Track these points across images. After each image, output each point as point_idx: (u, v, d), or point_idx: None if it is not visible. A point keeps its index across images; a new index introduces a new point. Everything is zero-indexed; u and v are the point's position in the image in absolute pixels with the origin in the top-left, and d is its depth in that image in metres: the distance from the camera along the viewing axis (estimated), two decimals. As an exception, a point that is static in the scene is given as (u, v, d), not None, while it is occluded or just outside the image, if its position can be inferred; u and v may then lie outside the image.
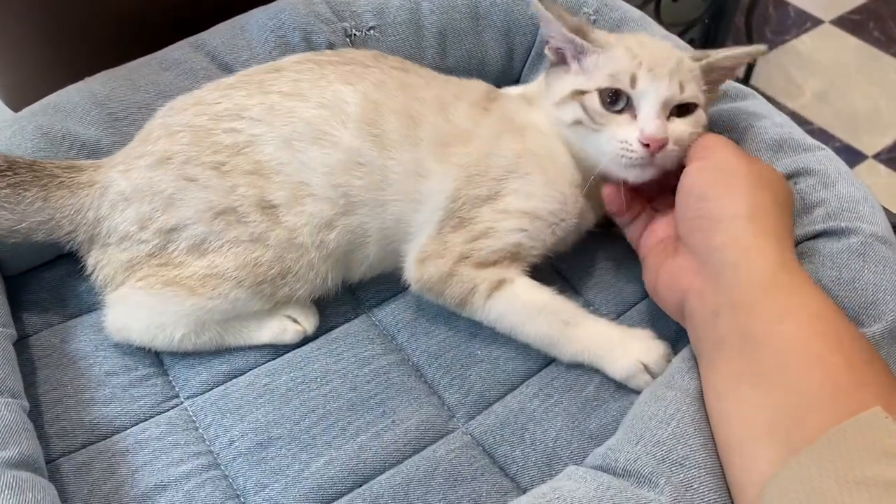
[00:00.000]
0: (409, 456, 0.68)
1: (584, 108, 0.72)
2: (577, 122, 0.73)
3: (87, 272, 0.75)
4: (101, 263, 0.74)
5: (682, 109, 0.72)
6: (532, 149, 0.75)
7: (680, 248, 0.69)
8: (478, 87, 0.81)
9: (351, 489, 0.66)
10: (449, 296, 0.73)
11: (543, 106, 0.77)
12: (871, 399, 0.53)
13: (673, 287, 0.68)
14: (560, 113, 0.74)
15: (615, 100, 0.71)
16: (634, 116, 0.71)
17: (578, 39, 0.73)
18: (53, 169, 0.74)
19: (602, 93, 0.71)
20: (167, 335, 0.73)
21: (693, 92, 0.71)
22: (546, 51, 0.77)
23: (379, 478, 0.67)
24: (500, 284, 0.72)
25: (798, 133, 0.79)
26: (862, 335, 0.60)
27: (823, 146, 0.77)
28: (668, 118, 0.71)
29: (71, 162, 0.76)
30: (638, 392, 0.70)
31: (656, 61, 0.70)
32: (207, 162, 0.72)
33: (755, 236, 0.63)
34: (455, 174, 0.74)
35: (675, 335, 0.73)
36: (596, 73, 0.72)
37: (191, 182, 0.71)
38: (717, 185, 0.66)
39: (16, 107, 0.99)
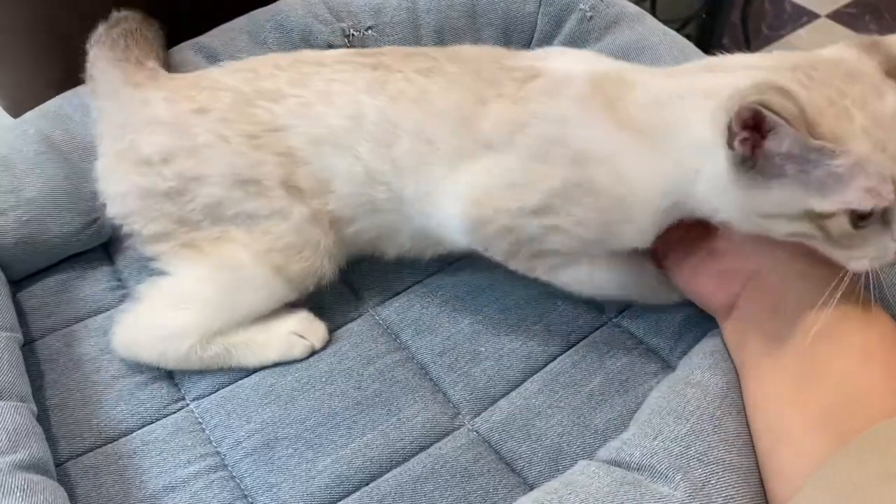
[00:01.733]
0: (416, 454, 0.68)
1: (823, 229, 0.57)
2: (801, 236, 0.59)
3: (94, 173, 0.76)
4: (114, 175, 0.74)
5: None
6: (599, 187, 0.64)
7: (730, 248, 0.66)
8: (517, 78, 0.69)
9: (358, 487, 0.66)
10: (516, 246, 0.70)
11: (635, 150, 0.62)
12: None
13: (725, 285, 0.66)
14: (770, 224, 0.59)
15: (869, 214, 0.55)
16: (886, 222, 0.56)
17: (826, 146, 0.53)
18: (133, 46, 0.80)
19: (853, 213, 0.55)
20: (175, 345, 0.72)
21: None
22: (737, 146, 0.56)
23: (386, 476, 0.67)
24: (563, 262, 0.71)
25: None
26: None
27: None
28: None
29: (144, 59, 0.79)
30: (643, 385, 0.70)
31: None
32: (243, 129, 0.72)
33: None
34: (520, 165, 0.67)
35: (678, 327, 0.73)
36: (839, 186, 0.54)
37: (222, 141, 0.72)
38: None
39: (15, 112, 0.99)
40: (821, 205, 0.55)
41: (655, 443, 0.60)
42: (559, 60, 0.71)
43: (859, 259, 0.57)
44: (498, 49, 0.76)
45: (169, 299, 0.73)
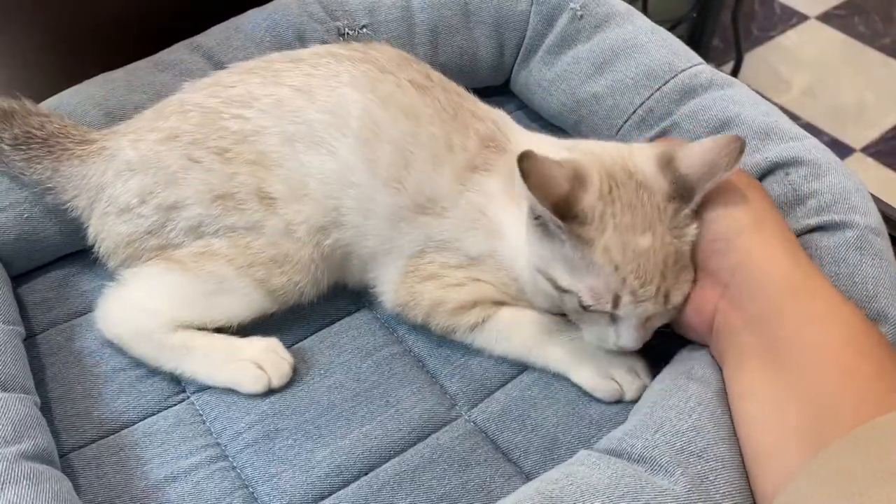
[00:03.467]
0: (414, 444, 0.69)
1: (561, 297, 0.66)
2: (555, 301, 0.68)
3: (89, 241, 0.76)
4: (101, 235, 0.75)
5: None
6: (500, 262, 0.72)
7: (700, 275, 0.67)
8: (480, 135, 0.73)
9: (357, 477, 0.67)
10: (436, 329, 0.75)
11: (522, 232, 0.69)
12: None
13: (701, 313, 0.66)
14: (542, 284, 0.68)
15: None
16: (613, 319, 0.66)
17: (563, 228, 0.62)
18: (67, 143, 0.75)
19: (581, 300, 0.65)
20: (144, 320, 0.72)
21: (678, 299, 0.65)
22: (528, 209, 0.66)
23: (384, 466, 0.68)
24: (482, 321, 0.73)
25: (784, 121, 0.80)
26: (884, 336, 0.61)
27: (809, 135, 0.78)
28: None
29: (85, 133, 0.76)
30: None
31: (644, 275, 0.62)
32: (212, 146, 0.72)
33: (764, 246, 0.63)
34: (425, 239, 0.73)
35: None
36: (576, 273, 0.64)
37: (194, 163, 0.72)
38: (715, 203, 0.65)
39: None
40: (561, 277, 0.65)
41: (657, 436, 0.61)
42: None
43: (586, 330, 0.68)
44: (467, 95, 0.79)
45: (150, 283, 0.73)
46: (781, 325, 0.60)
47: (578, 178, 0.63)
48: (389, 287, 0.76)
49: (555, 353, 0.72)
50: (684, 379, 0.65)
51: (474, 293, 0.73)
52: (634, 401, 0.69)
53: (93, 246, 0.76)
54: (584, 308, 0.64)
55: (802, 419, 0.56)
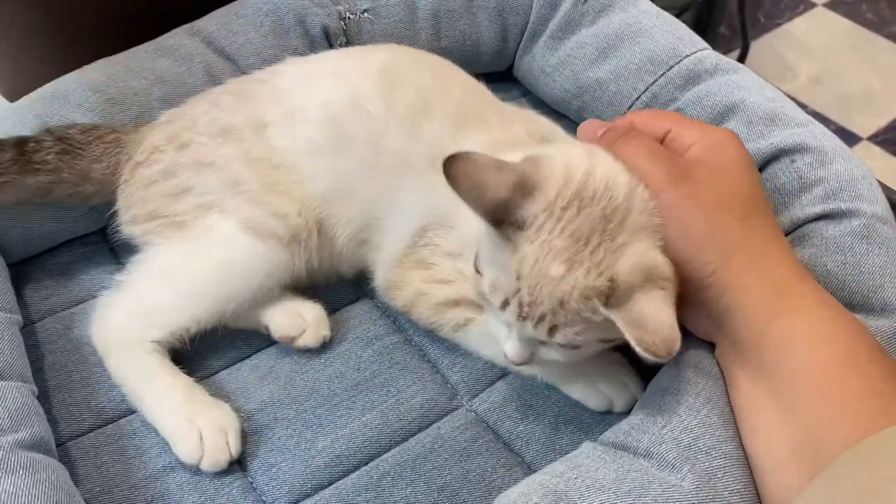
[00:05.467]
0: (415, 433, 0.69)
1: (473, 276, 0.64)
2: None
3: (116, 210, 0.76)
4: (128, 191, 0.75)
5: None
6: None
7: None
8: (527, 127, 0.73)
9: (358, 466, 0.67)
10: (420, 322, 0.74)
11: None
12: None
13: (696, 329, 0.65)
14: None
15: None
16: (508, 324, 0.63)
17: (495, 232, 0.59)
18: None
19: (482, 285, 0.62)
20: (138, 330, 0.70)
21: (567, 339, 0.60)
22: None
23: (385, 455, 0.67)
24: (466, 322, 0.72)
25: (790, 107, 0.79)
26: (881, 347, 0.59)
27: (815, 121, 0.77)
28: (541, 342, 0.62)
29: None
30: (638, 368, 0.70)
31: (536, 296, 0.58)
32: (234, 91, 0.78)
33: (739, 274, 0.59)
34: (427, 210, 0.71)
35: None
36: (492, 263, 0.61)
37: (213, 106, 0.76)
38: (676, 238, 0.61)
39: (12, 97, 0.99)
40: (481, 259, 0.62)
41: (664, 431, 0.59)
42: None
43: (490, 325, 0.66)
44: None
45: (155, 269, 0.72)
46: (765, 350, 0.58)
47: (523, 187, 0.59)
48: (385, 264, 0.74)
49: (542, 368, 0.70)
50: (692, 372, 0.63)
51: (459, 292, 0.71)
52: (625, 412, 0.68)
53: (95, 231, 0.75)
54: (483, 295, 0.62)
55: (797, 445, 0.55)
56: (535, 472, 0.65)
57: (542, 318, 0.59)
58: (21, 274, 0.79)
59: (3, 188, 0.72)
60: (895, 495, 0.47)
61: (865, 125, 1.84)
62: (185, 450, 0.65)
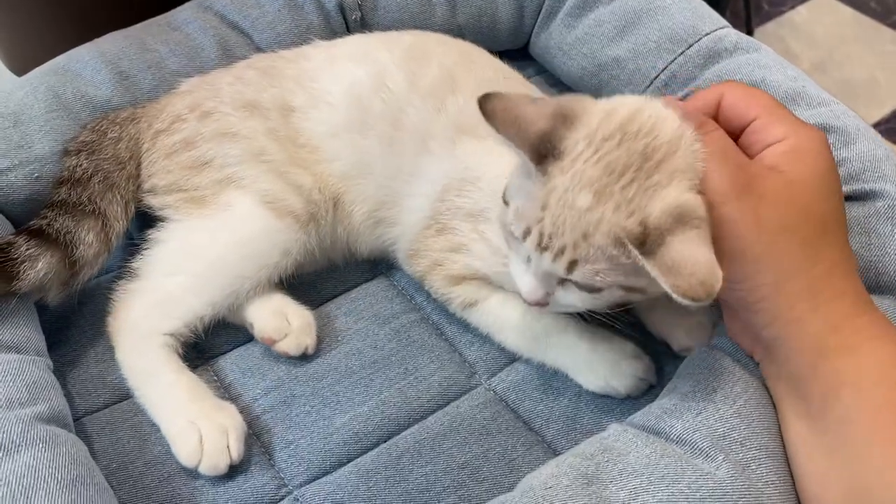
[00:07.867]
0: (433, 412, 0.68)
1: (502, 210, 0.62)
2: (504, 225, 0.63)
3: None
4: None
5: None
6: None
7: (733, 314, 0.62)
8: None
9: (376, 444, 0.66)
10: (433, 293, 0.74)
11: None
12: None
13: (742, 346, 0.63)
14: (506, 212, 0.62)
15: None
16: (528, 261, 0.61)
17: (529, 163, 0.57)
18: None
19: (508, 214, 0.61)
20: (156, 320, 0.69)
21: (586, 278, 0.57)
22: None
23: (404, 433, 0.67)
24: (474, 302, 0.72)
25: (812, 86, 0.78)
26: None
27: (837, 100, 0.76)
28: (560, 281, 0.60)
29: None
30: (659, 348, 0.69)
31: (559, 227, 0.56)
32: (259, 67, 0.79)
33: (792, 305, 0.56)
34: (450, 170, 0.71)
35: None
36: (521, 192, 0.59)
37: (237, 79, 0.78)
38: (728, 255, 0.55)
39: (18, 71, 0.98)
40: (510, 191, 0.60)
41: (699, 419, 0.58)
42: None
43: (511, 265, 0.63)
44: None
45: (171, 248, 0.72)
46: (813, 390, 0.56)
47: (564, 116, 0.57)
48: (407, 234, 0.75)
49: (552, 358, 0.70)
50: (729, 360, 0.62)
51: (469, 267, 0.71)
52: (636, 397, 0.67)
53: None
54: (508, 226, 0.60)
55: (846, 492, 0.54)
56: (555, 451, 0.65)
57: (562, 251, 0.56)
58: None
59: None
60: None
61: (869, 114, 1.84)
62: (183, 452, 0.63)
